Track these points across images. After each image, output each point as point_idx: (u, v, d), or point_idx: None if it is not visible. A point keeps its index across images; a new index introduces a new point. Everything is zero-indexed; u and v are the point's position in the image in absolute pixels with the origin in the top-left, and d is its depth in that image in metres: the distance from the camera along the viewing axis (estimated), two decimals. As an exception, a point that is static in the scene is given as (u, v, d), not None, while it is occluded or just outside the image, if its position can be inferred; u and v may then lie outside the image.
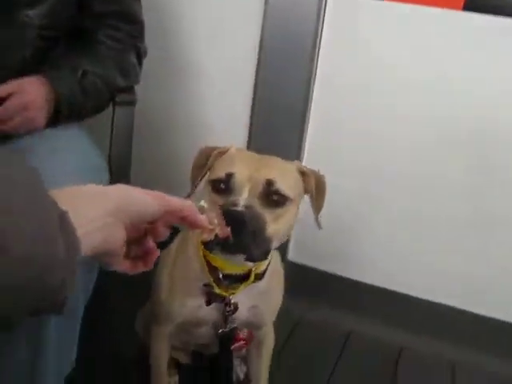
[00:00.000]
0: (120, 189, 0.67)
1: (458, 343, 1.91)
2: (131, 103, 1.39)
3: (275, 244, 1.08)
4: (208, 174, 1.14)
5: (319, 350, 1.85)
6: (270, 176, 1.05)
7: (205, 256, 1.19)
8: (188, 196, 1.16)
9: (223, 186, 1.06)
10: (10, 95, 1.18)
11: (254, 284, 1.19)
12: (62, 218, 0.54)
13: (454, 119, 1.79)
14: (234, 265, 1.14)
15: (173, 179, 2.15)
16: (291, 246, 2.10)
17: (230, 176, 1.05)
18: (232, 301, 1.19)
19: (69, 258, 0.54)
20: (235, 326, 1.26)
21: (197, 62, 2.03)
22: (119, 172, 1.36)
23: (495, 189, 1.82)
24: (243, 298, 1.21)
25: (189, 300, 1.23)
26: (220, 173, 1.07)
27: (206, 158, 1.15)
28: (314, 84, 1.91)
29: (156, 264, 1.01)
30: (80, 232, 0.57)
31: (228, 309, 1.20)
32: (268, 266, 1.21)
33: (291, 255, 2.11)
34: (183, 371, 1.61)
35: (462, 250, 1.91)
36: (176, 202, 0.73)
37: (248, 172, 1.05)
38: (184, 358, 1.63)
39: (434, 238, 1.94)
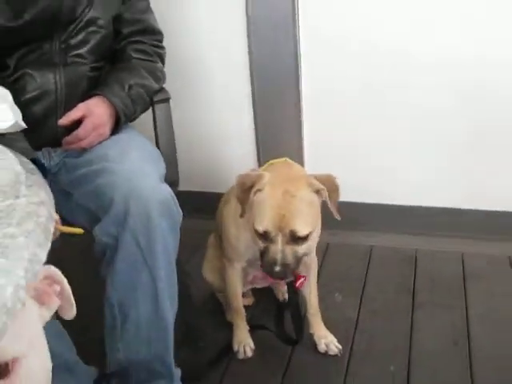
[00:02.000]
0: None
1: (465, 238, 2.27)
2: (166, 100, 1.67)
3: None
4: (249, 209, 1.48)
5: (349, 267, 2.22)
6: (294, 227, 1.42)
7: None
8: (241, 216, 1.51)
9: (262, 235, 1.44)
10: (82, 116, 1.46)
11: None
12: None
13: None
14: None
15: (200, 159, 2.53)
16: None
17: (266, 233, 1.43)
18: None
19: None
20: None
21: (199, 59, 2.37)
22: (168, 160, 1.63)
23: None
24: None
25: (255, 242, 1.56)
26: (259, 227, 1.43)
27: (245, 189, 1.47)
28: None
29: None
30: None
31: None
32: None
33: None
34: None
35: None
36: None
37: (278, 225, 1.42)
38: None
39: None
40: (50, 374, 0.73)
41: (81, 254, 1.95)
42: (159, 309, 1.37)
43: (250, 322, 1.90)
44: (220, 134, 2.47)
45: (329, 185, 1.49)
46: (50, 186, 1.49)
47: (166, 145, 1.66)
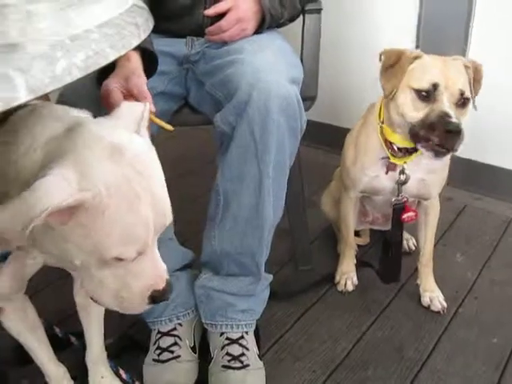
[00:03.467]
0: None
1: None
2: (318, 10, 1.62)
3: None
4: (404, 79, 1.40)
5: (481, 233, 2.07)
6: (460, 86, 1.35)
7: (382, 133, 1.48)
8: (386, 98, 1.44)
9: (425, 94, 1.34)
10: (228, 9, 1.47)
11: (422, 158, 1.47)
12: None
13: None
14: (407, 139, 1.43)
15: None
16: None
17: (435, 86, 1.33)
18: (406, 171, 1.48)
19: None
20: (406, 196, 1.54)
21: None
22: (309, 73, 1.60)
23: None
24: (414, 172, 1.50)
25: (368, 170, 1.55)
26: (423, 83, 1.34)
27: (396, 60, 1.40)
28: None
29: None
30: None
31: (402, 177, 1.49)
32: None
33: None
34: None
35: None
36: None
37: (445, 82, 1.33)
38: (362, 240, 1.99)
39: None
40: None
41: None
42: (260, 205, 1.36)
43: (359, 258, 1.86)
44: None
45: (474, 68, 1.41)
46: (188, 75, 1.56)
47: (309, 57, 1.62)
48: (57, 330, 1.47)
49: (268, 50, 1.44)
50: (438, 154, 1.36)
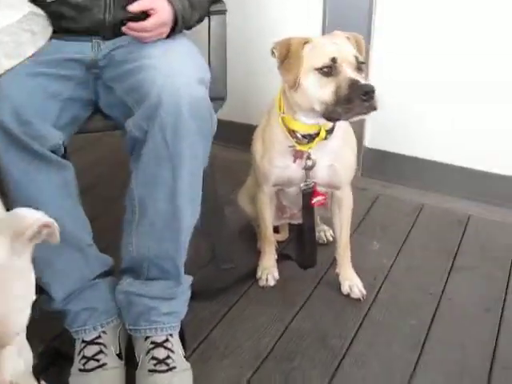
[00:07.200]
0: None
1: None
2: (223, 11, 1.64)
3: None
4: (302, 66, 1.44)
5: (395, 220, 2.15)
6: (354, 53, 1.43)
7: (285, 124, 1.54)
8: (292, 88, 1.45)
9: (327, 70, 1.39)
10: (151, 9, 1.40)
11: (327, 143, 1.54)
12: None
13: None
14: (307, 125, 1.50)
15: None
16: (367, 134, 2.36)
17: (333, 60, 1.39)
18: (311, 156, 1.53)
19: None
20: (314, 181, 1.59)
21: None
22: (217, 74, 1.61)
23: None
24: (321, 157, 1.55)
25: (277, 161, 1.59)
26: (323, 60, 1.40)
27: (287, 50, 1.44)
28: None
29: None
30: None
31: (308, 162, 1.54)
32: (334, 124, 1.53)
33: (368, 143, 2.38)
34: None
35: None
36: None
37: (340, 53, 1.40)
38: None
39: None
40: None
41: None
42: (176, 209, 1.36)
43: (280, 252, 1.90)
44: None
45: (355, 40, 1.51)
46: (96, 80, 1.53)
47: (217, 58, 1.64)
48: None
49: (175, 53, 1.44)
50: (363, 114, 1.40)
